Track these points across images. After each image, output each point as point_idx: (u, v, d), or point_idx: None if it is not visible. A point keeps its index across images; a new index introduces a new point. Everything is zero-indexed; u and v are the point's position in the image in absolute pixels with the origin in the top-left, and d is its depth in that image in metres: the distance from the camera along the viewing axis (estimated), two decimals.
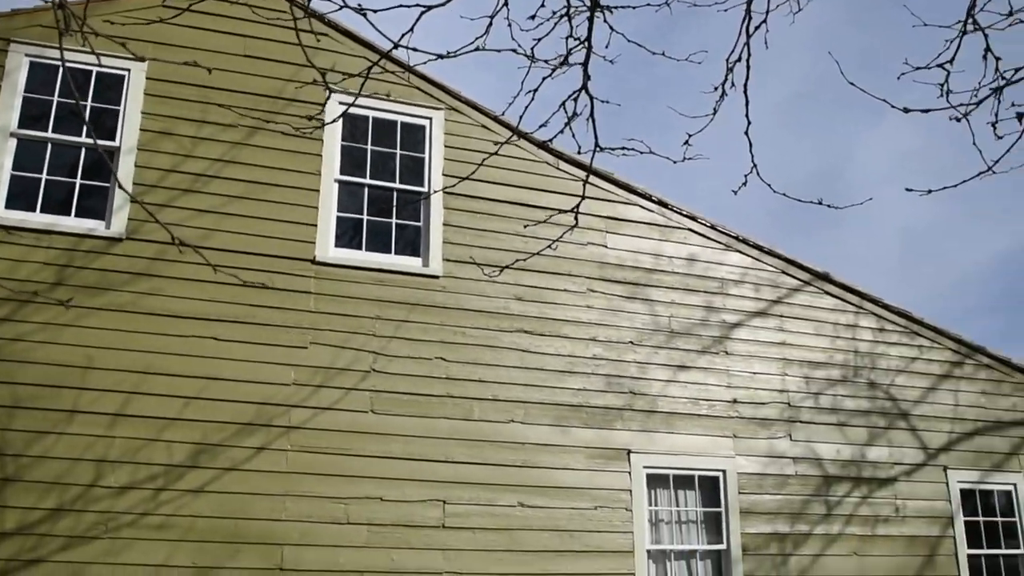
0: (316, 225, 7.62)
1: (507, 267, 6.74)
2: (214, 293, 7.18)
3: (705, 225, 9.17)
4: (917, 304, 9.40)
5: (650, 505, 8.02)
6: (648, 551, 7.84)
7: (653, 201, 8.99)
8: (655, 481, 8.09)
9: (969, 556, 9.26)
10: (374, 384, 7.44)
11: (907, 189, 4.01)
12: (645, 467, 7.97)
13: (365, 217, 7.91)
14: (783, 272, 9.33)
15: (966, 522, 9.37)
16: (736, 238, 9.24)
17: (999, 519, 9.65)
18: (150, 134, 7.37)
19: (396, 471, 7.29)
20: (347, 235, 7.82)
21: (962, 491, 9.45)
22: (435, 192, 7.92)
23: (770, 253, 9.33)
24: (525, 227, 7.67)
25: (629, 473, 7.90)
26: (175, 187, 7.32)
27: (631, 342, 8.34)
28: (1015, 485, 9.77)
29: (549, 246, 6.22)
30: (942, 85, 3.87)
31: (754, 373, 8.73)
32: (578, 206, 4.47)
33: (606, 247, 8.61)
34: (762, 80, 5.16)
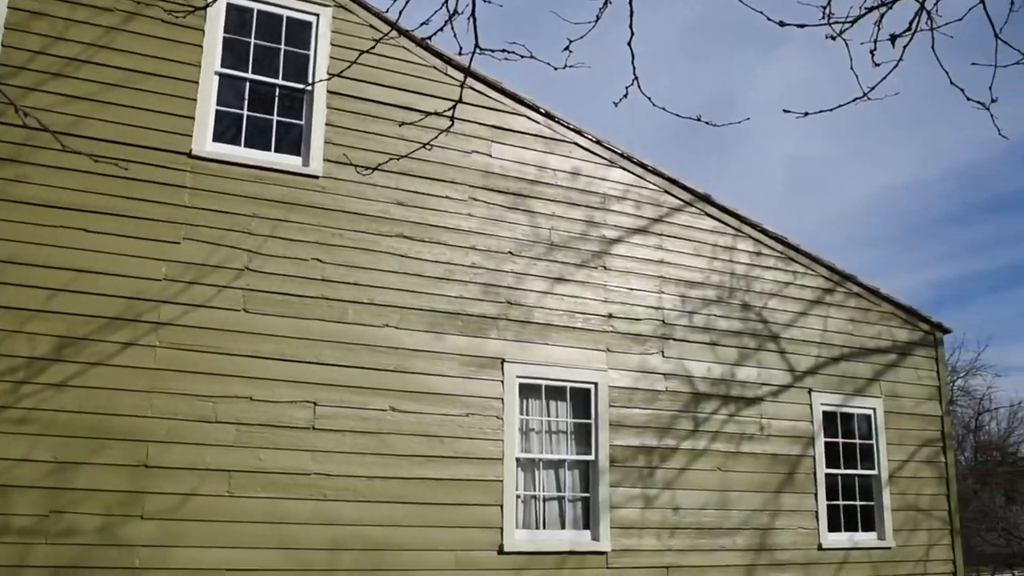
0: (194, 118, 8.79)
1: (380, 166, 7.99)
2: (85, 183, 8.29)
3: (591, 140, 10.79)
4: (798, 234, 11.32)
5: (521, 414, 9.71)
6: (517, 459, 9.54)
7: (540, 113, 10.52)
8: (527, 391, 9.77)
9: (827, 475, 11.45)
10: (248, 283, 8.73)
11: (784, 111, 5.14)
12: (518, 376, 9.63)
13: (245, 113, 9.14)
14: (665, 191, 11.10)
15: (826, 443, 11.54)
16: (621, 155, 10.92)
17: (857, 441, 11.90)
18: (21, 14, 8.35)
19: (267, 371, 8.63)
20: (226, 130, 9.03)
21: (824, 413, 11.60)
22: (313, 84, 9.19)
23: (653, 172, 11.06)
24: (401, 125, 9.03)
25: (502, 382, 9.54)
26: (45, 71, 8.36)
27: (510, 252, 9.94)
28: (874, 410, 12.02)
29: (424, 146, 7.53)
30: (824, 7, 4.70)
31: (631, 289, 10.51)
32: (454, 107, 5.27)
33: (490, 156, 10.12)
34: (667, 5, 6.42)
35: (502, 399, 9.47)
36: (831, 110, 5.11)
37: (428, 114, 5.97)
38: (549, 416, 9.89)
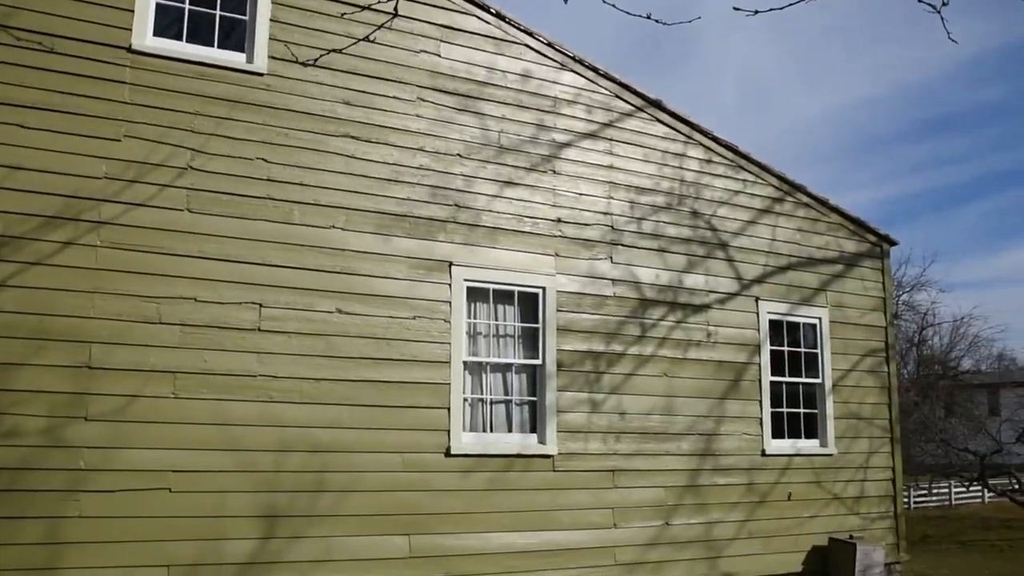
0: (133, 11, 8.69)
1: (324, 56, 8.04)
2: (20, 77, 8.17)
3: (542, 42, 10.82)
4: (748, 147, 11.43)
5: (469, 318, 9.88)
6: (465, 362, 9.73)
7: (490, 13, 10.51)
8: (475, 294, 9.94)
9: (771, 383, 11.81)
10: (191, 182, 8.72)
11: (735, 8, 5.52)
12: (466, 280, 9.78)
13: (187, 6, 9.03)
14: (616, 96, 11.19)
15: (772, 351, 11.90)
16: (572, 58, 10.96)
17: (802, 350, 12.28)
18: None
19: (211, 272, 8.67)
20: (168, 25, 8.92)
21: (771, 321, 11.93)
22: None
23: (605, 76, 11.14)
24: (343, 16, 9.01)
25: (449, 285, 9.69)
26: None
27: (459, 155, 10.01)
28: (820, 319, 12.38)
29: (366, 39, 7.55)
30: None
31: (580, 194, 10.65)
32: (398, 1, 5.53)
33: (439, 56, 10.12)
34: None
35: (450, 302, 9.62)
36: (780, 9, 5.28)
37: (370, 6, 6.03)
38: (497, 320, 10.08)
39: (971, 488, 39.73)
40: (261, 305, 8.77)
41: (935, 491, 42.41)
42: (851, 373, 12.52)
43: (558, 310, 10.22)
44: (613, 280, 10.67)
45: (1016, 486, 32.06)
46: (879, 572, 11.51)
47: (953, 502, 42.76)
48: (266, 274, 8.85)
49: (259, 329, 8.74)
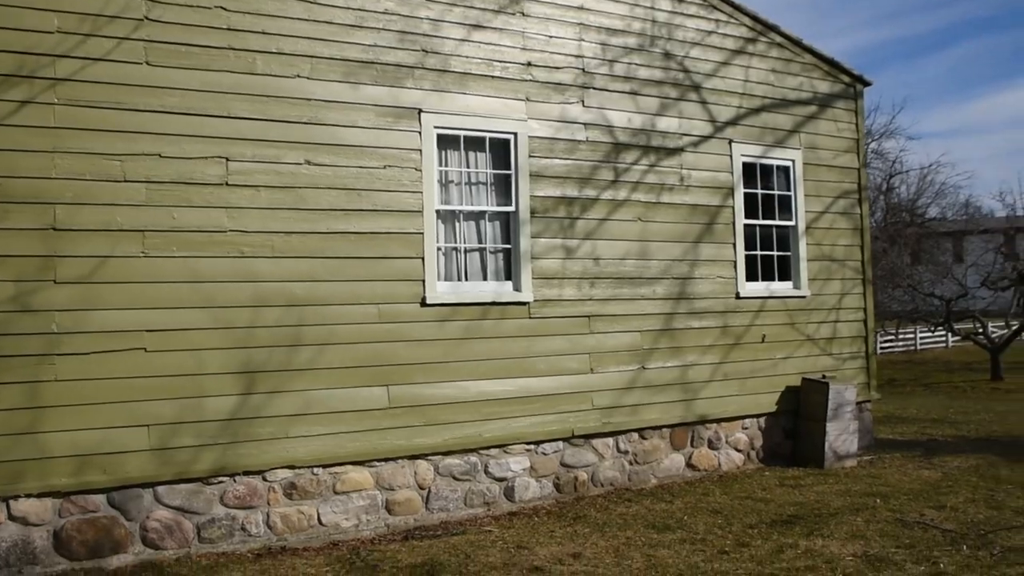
0: None
1: None
2: None
3: None
4: None
5: (440, 166, 9.88)
6: (438, 211, 9.78)
7: None
8: (446, 142, 9.91)
9: (745, 226, 11.98)
10: (148, 34, 8.49)
11: None
12: (436, 127, 9.74)
13: None
14: None
15: (745, 194, 12.03)
16: None
17: (776, 192, 12.42)
18: None
19: (175, 127, 8.53)
20: None
21: (744, 164, 12.01)
22: None
23: None
24: None
25: (419, 133, 9.65)
26: None
27: None
28: (793, 161, 12.49)
29: None
30: None
31: (550, 37, 10.53)
32: None
33: None
34: None
35: (420, 150, 9.61)
36: None
37: None
38: (469, 167, 10.10)
39: (936, 332, 40.84)
40: (228, 159, 8.70)
41: (901, 336, 43.59)
42: (824, 215, 12.73)
43: (530, 156, 10.25)
44: (585, 124, 10.68)
45: (980, 330, 32.97)
46: (850, 410, 11.96)
47: (919, 347, 44.00)
48: (231, 127, 8.75)
49: (227, 184, 8.70)
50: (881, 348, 43.15)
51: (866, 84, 13.15)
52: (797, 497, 10.05)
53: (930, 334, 43.51)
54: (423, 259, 9.50)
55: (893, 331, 42.84)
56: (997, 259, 34.93)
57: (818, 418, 11.79)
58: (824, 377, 12.08)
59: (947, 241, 49.11)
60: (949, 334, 38.48)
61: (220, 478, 8.52)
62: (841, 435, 11.82)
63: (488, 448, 9.84)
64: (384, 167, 9.37)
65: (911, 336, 44.64)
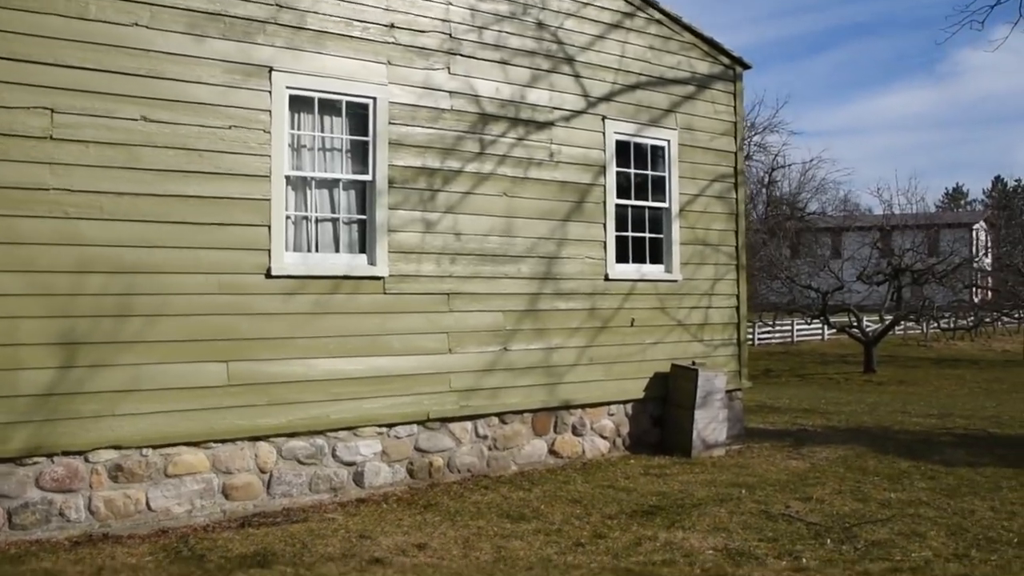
0: None
1: None
2: None
3: None
4: None
5: (292, 129, 9.33)
6: (288, 177, 9.21)
7: None
8: (299, 104, 9.36)
9: (617, 206, 11.68)
10: None
11: None
12: (288, 88, 9.19)
13: None
14: None
15: (618, 172, 11.73)
16: None
17: (650, 173, 12.18)
18: None
19: None
20: None
21: (618, 142, 11.71)
22: None
23: None
24: None
25: (270, 92, 9.07)
26: None
27: None
28: (669, 141, 12.24)
29: None
30: None
31: None
32: None
33: None
34: None
35: (270, 111, 9.05)
36: None
37: None
38: (324, 132, 9.59)
39: (811, 324, 41.75)
40: (53, 110, 8.03)
41: (778, 328, 44.49)
42: (699, 198, 12.54)
43: (390, 123, 9.78)
44: (451, 92, 10.26)
45: (854, 323, 33.74)
46: (720, 398, 11.81)
47: (795, 339, 44.93)
48: (59, 75, 8.07)
49: (51, 137, 8.02)
50: (759, 339, 43.91)
51: (746, 67, 13.01)
52: (661, 487, 9.82)
53: (807, 326, 44.48)
54: (270, 227, 8.97)
55: (770, 322, 43.66)
56: (873, 254, 35.75)
57: (687, 406, 11.62)
58: (694, 364, 11.91)
59: (826, 235, 50.28)
60: (825, 327, 39.33)
61: (35, 459, 7.87)
62: (710, 423, 11.66)
63: (337, 430, 9.36)
64: (230, 127, 8.81)
65: (788, 327, 45.54)
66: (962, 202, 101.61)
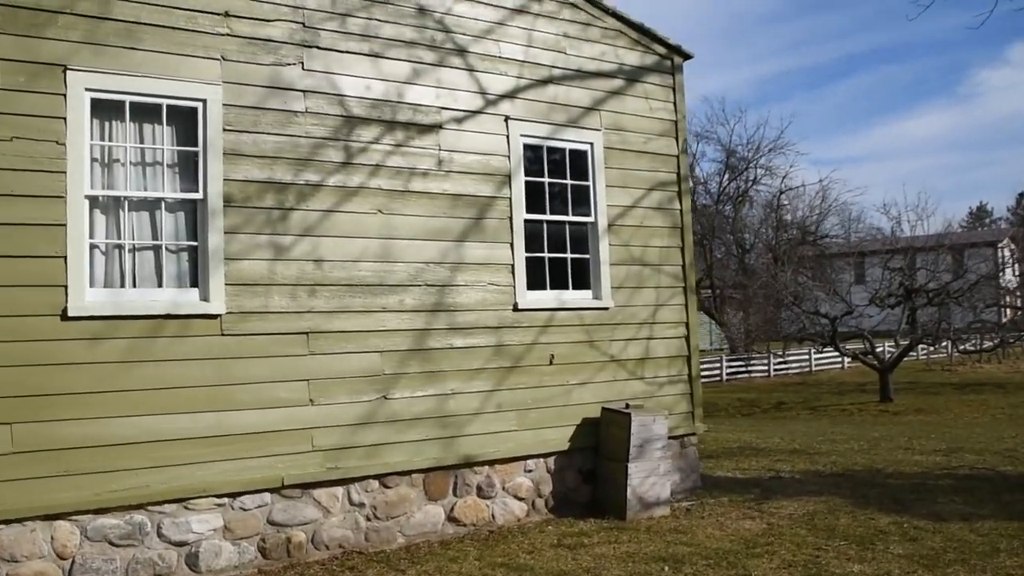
0: None
1: None
2: None
3: None
4: None
5: (98, 139, 7.89)
6: (91, 197, 7.78)
7: None
8: (106, 109, 7.90)
9: (527, 221, 10.15)
10: None
11: None
12: (89, 90, 7.72)
13: None
14: None
15: (527, 183, 10.20)
16: None
17: (569, 182, 10.64)
18: None
19: None
20: None
21: (526, 146, 10.21)
22: None
23: None
24: None
25: (64, 96, 7.66)
26: None
27: None
28: (592, 144, 10.72)
29: None
30: None
31: None
32: None
33: None
34: None
35: (65, 119, 7.68)
36: None
37: None
38: (141, 143, 8.19)
39: (824, 351, 40.26)
40: None
41: (796, 358, 42.98)
42: (633, 210, 11.03)
43: (225, 129, 8.34)
44: (305, 92, 8.83)
45: (869, 350, 32.20)
46: (661, 447, 10.24)
47: (813, 368, 43.33)
48: None
49: None
50: (775, 371, 42.32)
51: (686, 57, 11.55)
52: (567, 564, 8.23)
53: (824, 355, 42.96)
54: (66, 259, 7.54)
55: (780, 352, 42.17)
56: (885, 275, 34.09)
57: (619, 458, 10.06)
58: (628, 406, 10.36)
59: (841, 261, 48.84)
60: (844, 356, 37.70)
61: None
62: (648, 478, 10.10)
63: (161, 503, 7.88)
64: (11, 139, 7.43)
65: (805, 357, 43.97)
66: (986, 221, 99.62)
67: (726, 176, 53.45)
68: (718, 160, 65.03)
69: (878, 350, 32.72)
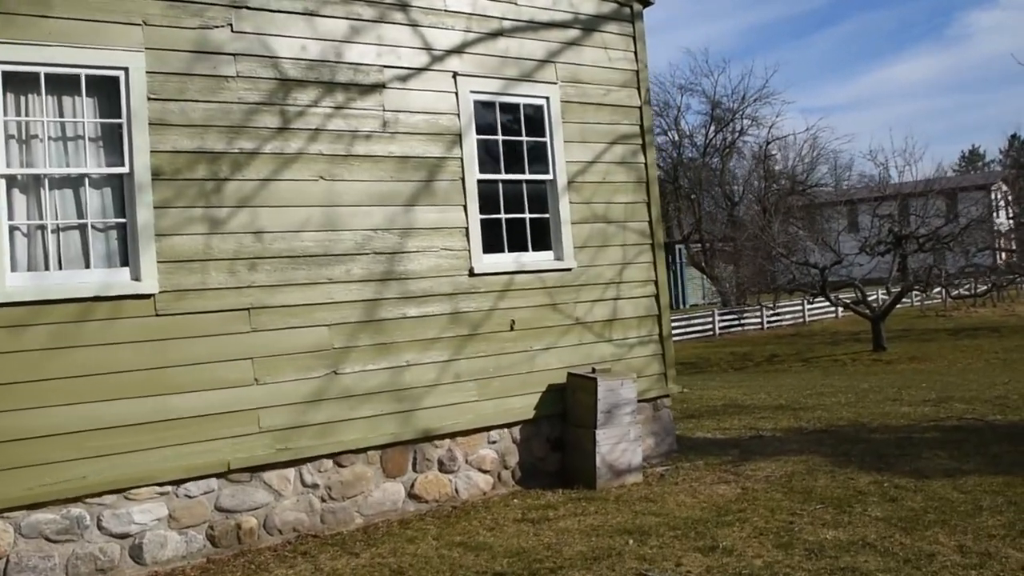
0: None
1: None
2: None
3: None
4: None
5: (9, 115, 7.49)
6: (7, 176, 7.43)
7: None
8: (18, 82, 7.45)
9: (480, 182, 9.77)
10: None
11: None
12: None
13: None
14: None
15: (480, 141, 9.80)
16: None
17: (524, 139, 10.24)
18: None
19: None
20: None
21: (477, 103, 9.81)
22: None
23: None
24: None
25: None
26: None
27: None
28: (548, 99, 10.31)
29: None
30: None
31: None
32: None
33: None
34: None
35: None
36: None
37: None
38: (60, 117, 7.80)
39: (816, 301, 40.08)
40: None
41: (789, 309, 42.77)
42: (594, 166, 10.65)
43: (150, 98, 7.95)
44: (235, 55, 8.42)
45: (860, 298, 31.95)
46: (630, 411, 9.93)
47: (807, 319, 43.12)
48: None
49: None
50: (768, 323, 42.08)
51: (645, 3, 11.14)
52: (528, 541, 7.90)
53: (820, 305, 42.74)
54: None
55: (771, 305, 41.91)
56: (874, 222, 33.74)
57: (587, 424, 9.75)
58: (594, 370, 10.03)
59: (830, 210, 48.52)
60: (836, 306, 37.45)
61: None
62: (619, 444, 9.80)
63: (100, 495, 7.56)
64: None
65: (799, 308, 43.74)
66: (979, 164, 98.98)
67: (712, 128, 52.99)
68: (703, 112, 64.42)
69: (870, 298, 32.41)
